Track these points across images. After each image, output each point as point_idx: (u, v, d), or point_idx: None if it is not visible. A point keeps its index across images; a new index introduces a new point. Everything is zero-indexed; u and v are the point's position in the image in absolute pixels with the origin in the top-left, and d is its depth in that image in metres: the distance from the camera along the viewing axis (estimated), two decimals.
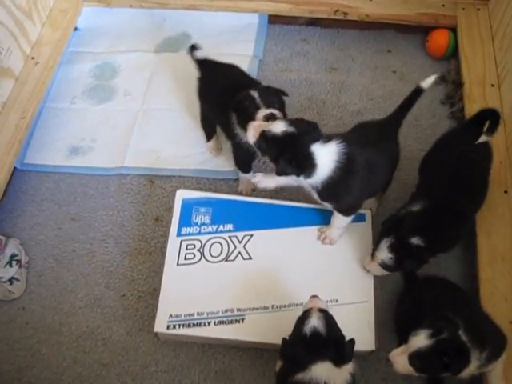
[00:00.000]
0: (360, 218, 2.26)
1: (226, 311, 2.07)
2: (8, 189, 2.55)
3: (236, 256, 2.18)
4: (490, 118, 2.10)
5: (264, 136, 1.93)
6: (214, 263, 2.17)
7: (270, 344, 2.02)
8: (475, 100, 2.57)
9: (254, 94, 2.10)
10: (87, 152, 2.70)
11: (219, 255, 2.18)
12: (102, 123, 2.80)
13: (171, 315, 2.05)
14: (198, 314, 2.06)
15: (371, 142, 2.08)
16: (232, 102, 2.15)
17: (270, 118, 2.04)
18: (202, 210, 2.26)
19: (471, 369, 1.74)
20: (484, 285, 2.14)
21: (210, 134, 2.62)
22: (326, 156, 1.92)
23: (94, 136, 2.75)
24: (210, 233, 2.22)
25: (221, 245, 2.20)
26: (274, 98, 2.14)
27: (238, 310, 2.08)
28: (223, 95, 2.24)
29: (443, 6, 2.93)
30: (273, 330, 2.00)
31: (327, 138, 1.95)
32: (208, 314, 2.06)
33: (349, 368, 1.71)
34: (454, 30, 2.88)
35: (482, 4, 2.90)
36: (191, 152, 2.67)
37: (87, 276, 2.35)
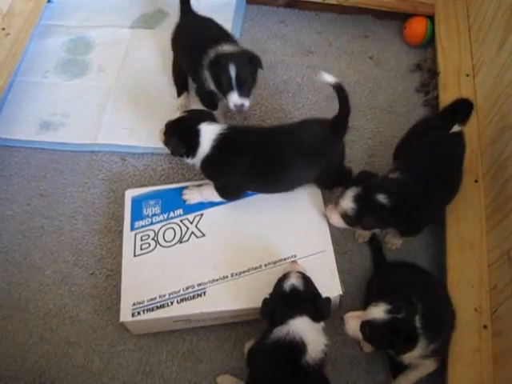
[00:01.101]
0: None
1: (187, 288, 2.09)
2: None
3: (189, 236, 2.21)
4: (463, 107, 2.12)
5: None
6: (169, 247, 2.19)
7: (234, 311, 2.06)
8: (450, 89, 2.58)
9: (232, 68, 2.18)
10: (59, 127, 2.65)
11: (173, 239, 2.21)
12: (75, 98, 2.75)
13: (134, 303, 2.06)
14: (159, 296, 2.07)
15: (292, 139, 2.13)
16: (209, 60, 2.25)
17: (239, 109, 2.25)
18: (152, 202, 2.29)
19: (414, 355, 1.79)
20: (451, 271, 2.17)
21: (181, 90, 2.65)
22: (207, 135, 2.10)
23: (66, 111, 2.71)
24: (161, 221, 2.25)
25: (173, 229, 2.23)
26: (249, 70, 2.25)
27: (199, 284, 2.09)
28: (198, 42, 2.34)
29: None
30: (235, 296, 2.05)
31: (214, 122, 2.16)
32: (169, 294, 2.07)
33: (324, 340, 1.79)
34: (431, 18, 2.88)
35: None
36: None
37: (55, 253, 2.32)
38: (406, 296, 1.79)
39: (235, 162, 2.13)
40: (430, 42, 2.88)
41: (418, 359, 1.84)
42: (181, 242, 2.19)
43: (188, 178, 2.48)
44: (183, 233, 2.21)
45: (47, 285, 2.26)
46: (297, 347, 1.73)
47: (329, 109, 2.69)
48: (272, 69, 2.84)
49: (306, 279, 1.87)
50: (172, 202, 2.29)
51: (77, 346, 2.14)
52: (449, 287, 2.12)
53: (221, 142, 2.10)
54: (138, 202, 2.29)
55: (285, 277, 1.87)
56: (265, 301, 1.84)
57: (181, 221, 2.24)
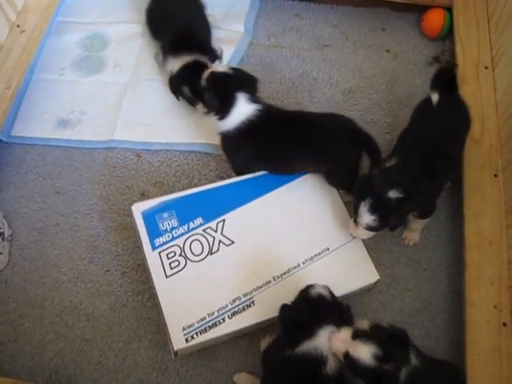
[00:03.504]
0: None
1: (234, 301, 2.03)
2: None
3: (218, 246, 2.13)
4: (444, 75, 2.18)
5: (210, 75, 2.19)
6: (200, 261, 2.10)
7: None
8: (468, 82, 2.53)
9: None
10: (76, 124, 2.65)
11: (202, 252, 2.12)
12: (92, 95, 2.74)
13: (184, 327, 1.97)
14: (208, 315, 2.00)
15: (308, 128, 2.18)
16: None
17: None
18: (165, 214, 2.17)
19: None
20: (470, 268, 2.13)
21: None
22: (240, 111, 2.14)
23: (83, 108, 2.70)
24: (183, 234, 2.14)
25: (199, 241, 2.13)
26: None
27: (244, 295, 2.04)
28: None
29: None
30: (283, 300, 1.93)
31: (256, 100, 2.18)
32: (218, 311, 2.00)
33: None
34: (449, 9, 2.83)
35: None
36: (181, 125, 2.63)
37: (71, 250, 2.33)
38: (403, 339, 1.68)
39: (249, 146, 2.22)
40: (448, 34, 2.83)
41: None
42: (211, 254, 2.11)
43: (203, 174, 2.47)
44: (211, 243, 2.13)
45: (63, 282, 2.26)
46: (320, 360, 1.69)
47: (345, 103, 2.66)
48: (287, 63, 2.81)
49: (329, 289, 1.82)
50: (187, 211, 2.18)
51: (93, 343, 2.14)
52: (467, 284, 2.09)
53: (246, 126, 2.15)
54: (150, 217, 2.15)
55: (309, 286, 1.82)
56: (285, 307, 1.79)
57: (204, 230, 2.15)
